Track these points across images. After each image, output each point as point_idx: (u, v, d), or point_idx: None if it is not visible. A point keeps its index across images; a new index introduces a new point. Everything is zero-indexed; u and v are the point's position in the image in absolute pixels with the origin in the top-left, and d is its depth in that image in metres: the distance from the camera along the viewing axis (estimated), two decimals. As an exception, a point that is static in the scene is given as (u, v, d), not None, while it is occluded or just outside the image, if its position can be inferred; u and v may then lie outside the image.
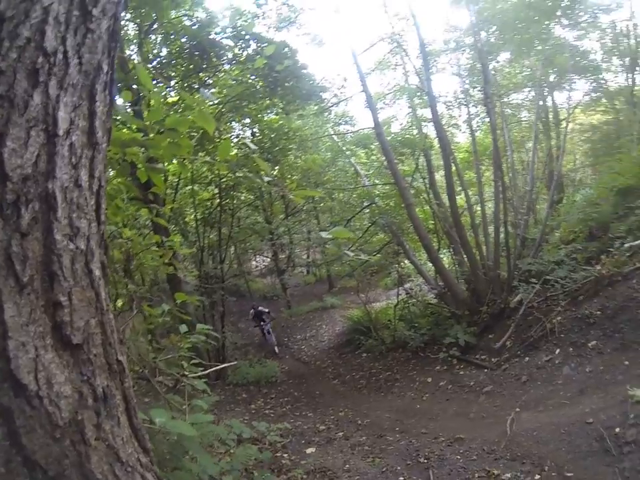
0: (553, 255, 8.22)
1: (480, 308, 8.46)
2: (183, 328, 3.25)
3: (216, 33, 8.38)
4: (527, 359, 6.35)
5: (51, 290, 0.91)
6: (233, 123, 11.65)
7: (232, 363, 6.27)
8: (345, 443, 5.40)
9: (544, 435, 4.10)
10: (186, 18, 8.72)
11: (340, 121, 14.01)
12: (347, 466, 4.57)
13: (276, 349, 12.56)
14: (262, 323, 12.92)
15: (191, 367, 3.04)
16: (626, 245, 6.71)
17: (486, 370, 6.82)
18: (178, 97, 9.18)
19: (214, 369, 3.89)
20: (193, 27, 8.28)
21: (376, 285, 16.52)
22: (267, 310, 13.24)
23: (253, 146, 1.95)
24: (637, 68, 12.69)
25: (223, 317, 12.00)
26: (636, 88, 12.78)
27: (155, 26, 7.89)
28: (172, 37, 8.51)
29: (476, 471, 3.88)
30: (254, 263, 24.86)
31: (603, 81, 13.46)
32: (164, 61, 8.91)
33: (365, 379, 9.01)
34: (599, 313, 5.90)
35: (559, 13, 10.09)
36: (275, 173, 12.41)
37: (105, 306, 1.06)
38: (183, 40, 8.51)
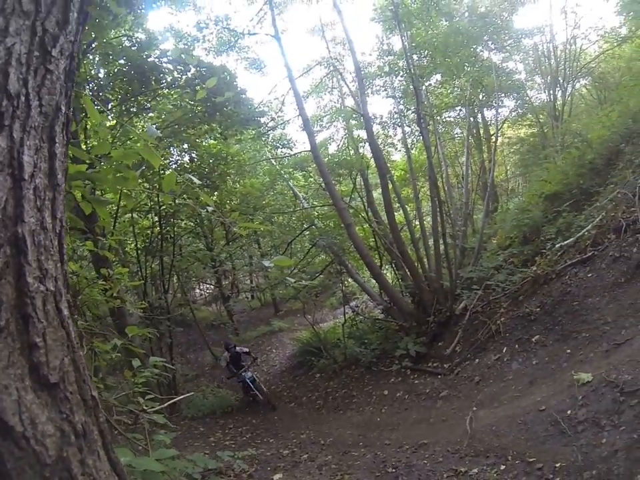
0: (492, 261, 8.69)
1: (427, 318, 8.66)
2: (136, 362, 3.15)
3: (156, 57, 8.16)
4: (477, 360, 6.62)
5: (26, 332, 0.91)
6: (172, 148, 11.44)
7: (188, 394, 6.02)
8: (311, 464, 5.35)
9: (503, 428, 4.28)
10: (125, 38, 8.47)
11: (278, 144, 13.86)
12: (316, 487, 4.55)
13: (260, 395, 9.28)
14: (240, 371, 9.45)
15: (148, 402, 2.94)
16: (557, 246, 7.26)
17: (440, 376, 7.03)
18: (115, 122, 8.91)
19: (171, 401, 3.75)
20: (133, 48, 8.00)
21: (322, 305, 16.51)
22: (246, 350, 9.98)
23: (196, 180, 1.95)
24: (558, 85, 13.99)
25: (171, 349, 11.59)
26: (558, 103, 14.12)
27: (94, 45, 7.60)
28: (111, 57, 8.17)
29: (444, 472, 3.99)
30: (198, 291, 24.24)
31: (527, 98, 14.80)
32: (101, 83, 8.54)
33: (322, 399, 8.95)
34: (538, 309, 6.31)
35: (486, 38, 11.00)
36: (214, 198, 12.24)
37: (75, 344, 1.06)
38: (122, 61, 8.19)
